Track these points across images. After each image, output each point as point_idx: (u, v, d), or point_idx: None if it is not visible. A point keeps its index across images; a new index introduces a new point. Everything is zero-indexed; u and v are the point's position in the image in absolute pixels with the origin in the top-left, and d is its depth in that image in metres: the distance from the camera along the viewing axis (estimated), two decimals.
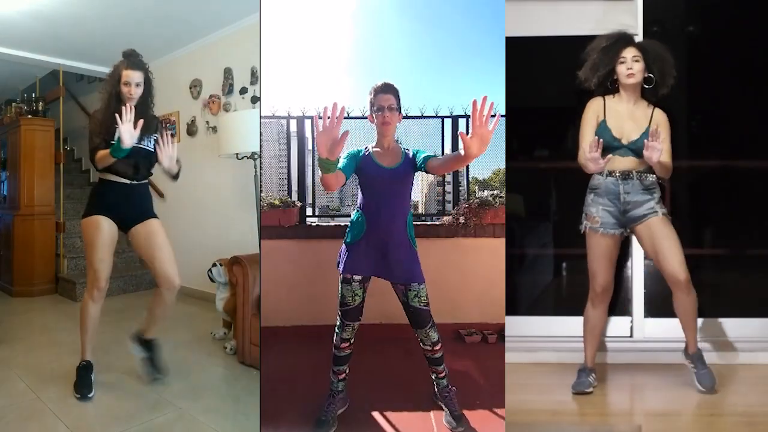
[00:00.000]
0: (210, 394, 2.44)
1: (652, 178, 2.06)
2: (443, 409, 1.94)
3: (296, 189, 3.19)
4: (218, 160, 4.09)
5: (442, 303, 2.65)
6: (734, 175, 2.53)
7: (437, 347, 1.90)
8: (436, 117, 3.18)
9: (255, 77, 4.08)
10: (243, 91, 4.19)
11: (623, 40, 2.06)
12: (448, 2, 3.18)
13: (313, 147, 3.34)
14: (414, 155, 1.88)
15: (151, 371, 2.49)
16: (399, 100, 1.85)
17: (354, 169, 1.86)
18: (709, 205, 2.56)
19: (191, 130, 4.74)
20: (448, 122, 3.19)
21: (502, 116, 3.14)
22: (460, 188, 3.22)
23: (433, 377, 1.97)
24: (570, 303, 2.57)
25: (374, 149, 1.89)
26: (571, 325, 2.42)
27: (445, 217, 3.05)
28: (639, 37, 2.43)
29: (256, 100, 4.06)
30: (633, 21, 2.43)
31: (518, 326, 2.50)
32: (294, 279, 2.91)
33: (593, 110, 2.10)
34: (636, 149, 2.02)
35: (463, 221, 2.94)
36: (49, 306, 4.39)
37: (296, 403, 2.07)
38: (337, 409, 1.94)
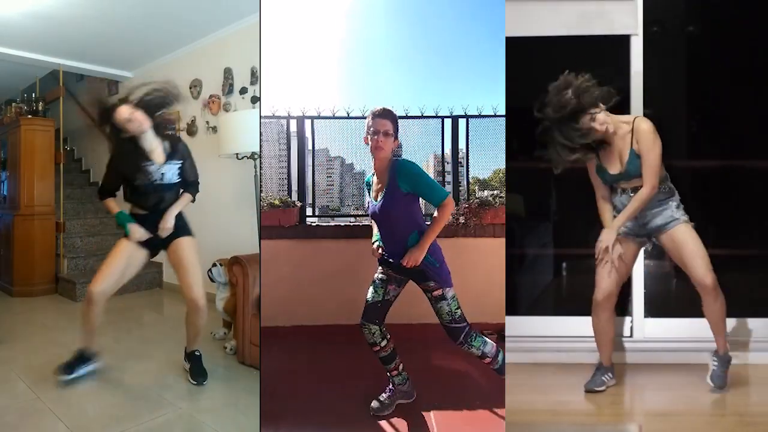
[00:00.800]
0: (210, 394, 2.44)
1: (665, 188, 2.06)
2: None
3: (296, 189, 3.19)
4: (218, 160, 4.09)
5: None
6: (734, 175, 2.53)
7: (487, 360, 1.97)
8: (436, 117, 3.18)
9: (255, 77, 4.08)
10: (243, 91, 4.19)
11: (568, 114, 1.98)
12: (448, 2, 3.18)
13: (314, 147, 3.34)
14: (398, 170, 1.85)
15: (197, 379, 2.53)
16: (396, 126, 1.87)
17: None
18: (709, 205, 2.56)
19: (191, 130, 4.73)
20: (448, 122, 3.19)
21: (502, 116, 3.16)
22: (460, 188, 3.22)
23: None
24: (570, 303, 2.57)
25: (372, 178, 1.97)
26: (571, 325, 2.42)
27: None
28: (639, 38, 2.43)
29: (256, 100, 4.06)
30: (633, 21, 2.43)
31: (518, 326, 2.50)
32: (294, 279, 2.91)
33: (591, 167, 2.13)
34: (635, 169, 2.03)
35: (463, 221, 2.94)
36: (49, 306, 4.39)
37: (296, 403, 2.07)
38: (396, 399, 2.03)
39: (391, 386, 2.04)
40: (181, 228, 2.56)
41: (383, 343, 1.98)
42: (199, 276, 2.53)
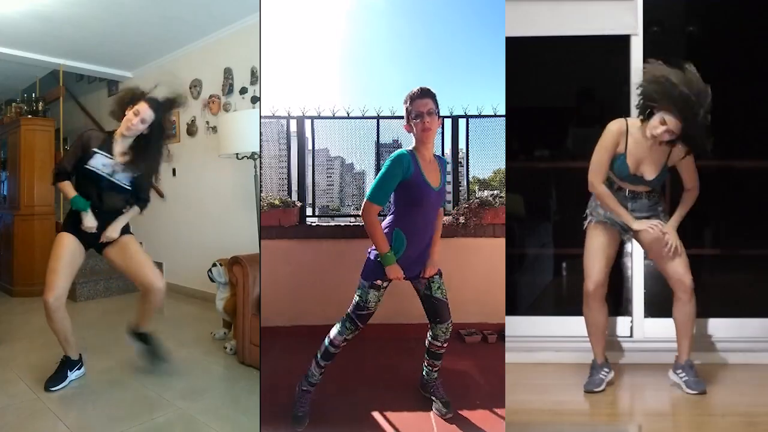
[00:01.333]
0: (210, 394, 2.44)
1: (659, 196, 2.12)
2: (431, 400, 2.02)
3: (296, 189, 3.19)
4: (218, 160, 4.09)
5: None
6: (734, 175, 2.53)
7: (446, 344, 1.98)
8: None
9: (255, 77, 4.08)
10: (243, 91, 4.19)
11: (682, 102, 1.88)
12: (448, 2, 3.18)
13: (314, 147, 3.34)
14: (441, 160, 1.92)
15: (153, 361, 2.53)
16: (437, 103, 1.79)
17: (400, 178, 1.75)
18: (709, 205, 2.56)
19: (191, 130, 4.74)
20: (448, 122, 3.19)
21: (502, 116, 3.16)
22: (460, 188, 3.22)
23: (427, 370, 2.05)
24: (570, 303, 2.57)
25: (420, 160, 1.79)
26: (571, 325, 2.42)
27: (445, 217, 3.05)
28: (639, 38, 2.43)
29: (256, 100, 4.06)
30: (633, 21, 2.43)
31: (518, 326, 2.50)
32: (294, 279, 2.90)
33: (613, 135, 2.02)
34: (650, 182, 2.06)
35: (463, 221, 2.94)
36: None
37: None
38: (308, 403, 1.98)
39: (307, 393, 1.98)
40: (123, 229, 2.54)
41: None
42: (149, 260, 2.54)
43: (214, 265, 3.18)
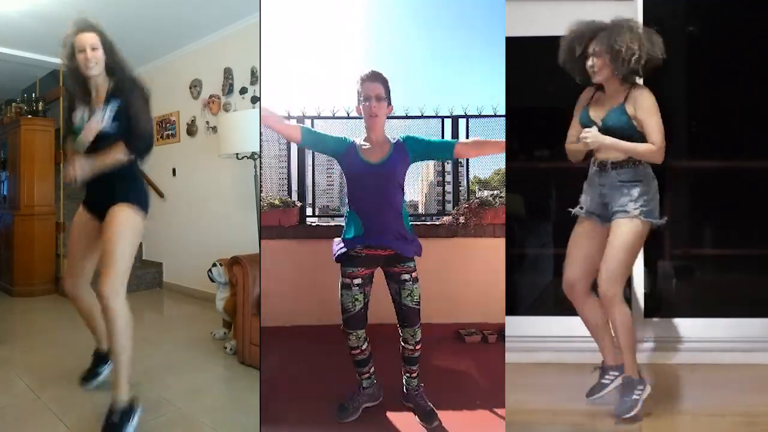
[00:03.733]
0: (210, 394, 2.44)
1: (631, 171, 1.87)
2: (413, 411, 1.94)
3: (296, 189, 3.19)
4: (218, 160, 4.09)
5: (442, 303, 2.66)
6: (734, 175, 2.53)
7: (418, 346, 1.90)
8: (436, 117, 3.18)
9: (255, 77, 4.08)
10: (243, 91, 4.19)
11: (576, 37, 1.95)
12: (448, 2, 3.18)
13: None
14: (404, 142, 1.81)
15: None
16: (388, 89, 1.77)
17: (335, 153, 1.82)
18: (709, 205, 2.56)
19: (191, 130, 4.73)
20: (448, 122, 3.19)
21: (502, 116, 3.16)
22: (460, 188, 3.22)
23: (405, 378, 1.97)
24: (570, 303, 2.57)
25: (362, 144, 1.82)
26: (571, 325, 2.42)
27: (445, 217, 3.05)
28: None
29: (256, 100, 4.06)
30: None
31: (518, 326, 2.50)
32: (294, 279, 2.90)
33: (582, 99, 2.05)
34: (608, 130, 1.86)
35: (463, 221, 2.94)
36: (49, 306, 4.39)
37: (296, 403, 2.07)
38: (363, 403, 1.97)
39: (357, 391, 1.99)
40: (122, 192, 2.02)
41: (364, 346, 1.91)
42: (122, 260, 1.93)
43: (214, 265, 3.19)
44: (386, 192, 1.79)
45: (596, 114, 1.95)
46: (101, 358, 2.44)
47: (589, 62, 1.91)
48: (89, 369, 2.43)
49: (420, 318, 1.87)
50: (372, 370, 1.99)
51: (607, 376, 2.02)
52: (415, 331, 1.87)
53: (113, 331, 1.92)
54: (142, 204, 2.07)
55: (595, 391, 2.01)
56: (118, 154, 1.97)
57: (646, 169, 1.88)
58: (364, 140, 1.83)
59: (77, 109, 2.07)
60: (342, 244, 1.85)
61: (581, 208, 2.02)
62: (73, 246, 2.19)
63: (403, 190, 1.84)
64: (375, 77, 1.76)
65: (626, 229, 1.84)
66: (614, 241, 1.85)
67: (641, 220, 1.83)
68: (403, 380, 1.99)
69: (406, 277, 1.83)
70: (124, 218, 1.98)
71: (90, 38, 2.06)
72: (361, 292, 1.83)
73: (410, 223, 1.89)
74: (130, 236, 1.99)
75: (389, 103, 1.79)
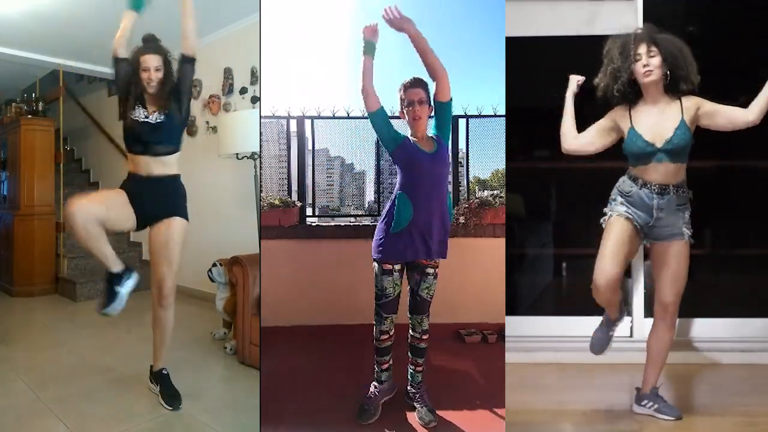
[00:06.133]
0: (210, 394, 2.44)
1: (686, 193, 1.88)
2: (414, 408, 1.96)
3: (296, 189, 3.19)
4: (218, 160, 4.09)
5: (442, 303, 2.64)
6: (734, 175, 2.53)
7: (426, 336, 1.97)
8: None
9: (255, 77, 4.08)
10: (243, 91, 4.19)
11: (636, 37, 1.85)
12: (448, 2, 3.18)
13: (314, 147, 3.34)
14: (438, 137, 1.93)
15: (163, 402, 2.27)
16: (429, 93, 1.90)
17: (394, 142, 1.89)
18: (708, 205, 2.56)
19: (191, 130, 4.73)
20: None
21: (502, 116, 3.16)
22: (460, 188, 3.22)
23: (411, 371, 2.01)
24: (570, 303, 2.57)
25: (413, 139, 1.92)
26: (571, 325, 2.42)
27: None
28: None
29: (256, 100, 4.06)
30: (633, 21, 2.43)
31: (518, 326, 2.50)
32: (294, 279, 2.91)
33: (612, 117, 1.92)
34: (673, 150, 1.81)
35: (463, 221, 2.94)
36: (49, 306, 4.39)
37: (296, 403, 2.07)
38: (381, 399, 1.99)
39: (373, 389, 2.00)
40: (178, 207, 2.28)
41: (392, 332, 1.97)
42: (175, 267, 2.24)
43: (214, 265, 3.18)
44: (441, 178, 1.92)
45: (655, 134, 1.83)
46: (116, 277, 2.20)
47: (643, 61, 1.81)
48: (105, 294, 2.21)
49: (429, 311, 1.96)
50: (391, 361, 2.03)
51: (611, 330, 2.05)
52: (423, 319, 1.95)
53: (157, 316, 2.30)
54: (186, 217, 2.32)
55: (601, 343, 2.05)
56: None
57: (689, 193, 1.91)
58: (411, 136, 1.93)
59: (134, 108, 2.22)
60: (383, 234, 1.91)
61: (612, 210, 1.92)
62: (110, 198, 2.22)
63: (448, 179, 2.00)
64: (417, 83, 1.89)
65: (686, 252, 1.87)
66: (681, 263, 1.87)
67: (690, 242, 1.88)
68: (408, 373, 2.02)
69: (430, 271, 1.93)
70: (183, 230, 2.27)
71: (156, 61, 2.28)
72: (400, 278, 1.93)
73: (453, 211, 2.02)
74: (182, 246, 2.28)
75: (430, 105, 1.91)
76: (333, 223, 3.25)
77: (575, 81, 2.01)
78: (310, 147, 3.26)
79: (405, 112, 1.90)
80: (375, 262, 1.93)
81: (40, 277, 4.76)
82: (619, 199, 1.91)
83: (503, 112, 2.87)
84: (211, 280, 3.19)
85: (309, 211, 3.22)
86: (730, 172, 2.53)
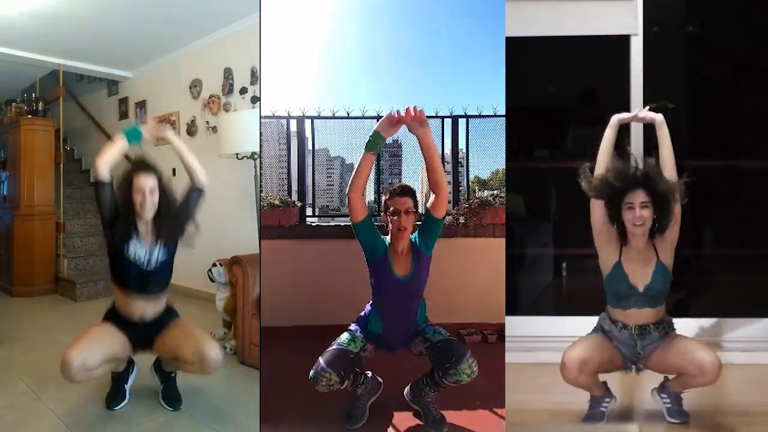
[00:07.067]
0: (210, 394, 2.44)
1: (669, 323, 1.85)
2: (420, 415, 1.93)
3: (296, 189, 3.19)
4: (218, 160, 4.08)
5: (442, 303, 2.65)
6: (734, 175, 2.53)
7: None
8: (436, 117, 3.18)
9: (255, 77, 4.08)
10: (243, 91, 4.19)
11: (634, 181, 1.75)
12: (448, 3, 3.18)
13: (314, 147, 3.34)
14: (418, 244, 1.85)
15: (164, 402, 2.23)
16: (417, 201, 1.82)
17: (372, 254, 1.84)
18: (709, 205, 2.56)
19: (191, 130, 4.73)
20: (448, 122, 3.20)
21: (502, 116, 3.16)
22: (460, 188, 3.23)
23: (424, 389, 1.91)
24: (570, 303, 2.57)
25: (391, 252, 1.84)
26: (571, 326, 2.41)
27: (445, 217, 3.05)
28: (639, 38, 2.42)
29: (256, 100, 4.06)
30: (633, 21, 2.43)
31: (518, 326, 2.49)
32: (294, 279, 2.91)
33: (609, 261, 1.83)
34: (653, 296, 1.80)
35: (463, 221, 2.94)
36: (49, 306, 4.39)
37: (296, 403, 2.07)
38: (367, 402, 1.96)
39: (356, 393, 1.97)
40: (171, 312, 2.23)
41: (343, 386, 1.80)
42: (208, 337, 2.15)
43: (214, 265, 3.18)
44: (410, 304, 1.87)
45: (634, 277, 1.79)
46: (122, 376, 2.27)
47: (636, 213, 1.72)
48: (114, 389, 2.24)
49: (465, 346, 1.85)
50: (363, 379, 1.96)
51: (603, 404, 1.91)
52: (471, 363, 1.76)
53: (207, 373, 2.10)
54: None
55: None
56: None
57: (671, 322, 1.89)
58: (390, 248, 1.85)
59: (127, 241, 2.03)
60: (358, 327, 1.93)
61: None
62: (93, 350, 2.01)
63: (424, 289, 1.91)
64: (405, 191, 1.80)
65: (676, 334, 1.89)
66: (687, 349, 1.81)
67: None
68: (421, 383, 1.92)
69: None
70: (183, 321, 2.21)
71: (150, 181, 2.04)
72: (362, 342, 1.89)
73: (425, 315, 1.95)
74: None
75: (417, 211, 1.83)
76: (333, 223, 3.25)
77: (617, 120, 1.89)
78: (310, 147, 3.27)
79: (390, 220, 1.80)
80: None
81: (40, 277, 4.76)
82: (601, 333, 1.90)
83: (503, 112, 2.87)
84: (211, 280, 3.19)
85: (309, 211, 3.22)
86: (731, 172, 2.52)
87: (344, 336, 1.88)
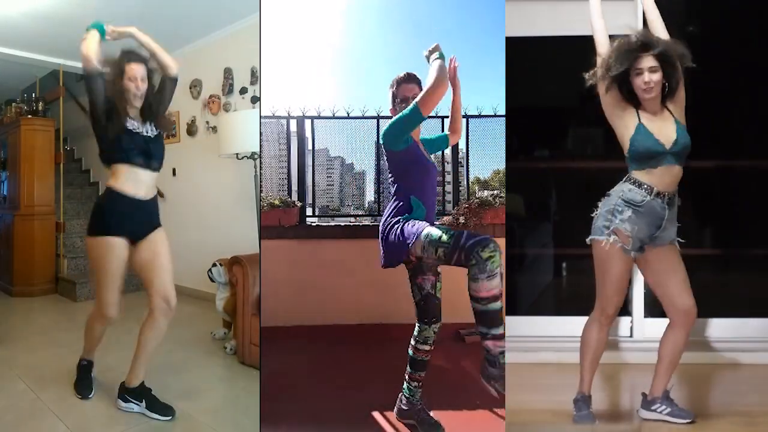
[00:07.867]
0: (210, 394, 2.44)
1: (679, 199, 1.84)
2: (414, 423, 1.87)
3: (296, 189, 3.19)
4: (218, 160, 4.09)
5: (442, 303, 2.66)
6: (733, 175, 2.53)
7: (432, 347, 1.86)
8: (436, 117, 3.18)
9: (255, 77, 4.08)
10: (243, 91, 4.19)
11: (641, 47, 1.74)
12: (448, 3, 3.18)
13: (314, 147, 3.34)
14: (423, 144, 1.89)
15: (157, 415, 2.15)
16: (422, 88, 1.70)
17: (405, 143, 1.74)
18: (708, 205, 2.56)
19: (191, 130, 4.73)
20: (447, 122, 3.19)
21: (502, 116, 3.16)
22: (460, 188, 3.23)
23: (410, 388, 1.87)
24: (570, 303, 2.57)
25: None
26: (571, 326, 2.42)
27: (445, 218, 3.06)
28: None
29: (256, 100, 4.06)
30: (633, 21, 2.43)
31: (518, 326, 2.50)
32: (294, 279, 2.91)
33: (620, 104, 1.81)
34: (679, 153, 1.75)
35: (463, 221, 2.94)
36: (49, 306, 4.39)
37: (296, 403, 2.07)
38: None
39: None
40: (158, 218, 2.30)
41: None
42: (172, 273, 2.26)
43: (214, 265, 3.18)
44: (435, 185, 1.86)
45: (659, 134, 1.76)
46: (90, 367, 2.45)
47: (645, 78, 1.72)
48: (82, 381, 2.38)
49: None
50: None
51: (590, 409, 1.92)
52: (439, 328, 1.86)
53: (158, 326, 2.23)
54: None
55: (588, 419, 1.90)
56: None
57: None
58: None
59: (125, 119, 2.17)
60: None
61: (629, 240, 1.78)
62: (118, 281, 2.22)
63: None
64: (411, 78, 1.78)
65: (678, 251, 1.85)
66: (683, 264, 1.83)
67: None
68: (406, 392, 1.88)
69: (439, 270, 1.87)
70: (166, 239, 2.30)
71: (143, 71, 2.18)
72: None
73: None
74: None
75: None
76: (333, 223, 3.25)
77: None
78: (310, 147, 3.27)
79: (397, 109, 1.76)
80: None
81: (40, 277, 4.76)
82: (627, 212, 1.76)
83: (503, 112, 2.87)
84: (211, 280, 3.19)
85: (309, 211, 3.23)
86: (730, 172, 2.52)
87: (436, 228, 1.68)
